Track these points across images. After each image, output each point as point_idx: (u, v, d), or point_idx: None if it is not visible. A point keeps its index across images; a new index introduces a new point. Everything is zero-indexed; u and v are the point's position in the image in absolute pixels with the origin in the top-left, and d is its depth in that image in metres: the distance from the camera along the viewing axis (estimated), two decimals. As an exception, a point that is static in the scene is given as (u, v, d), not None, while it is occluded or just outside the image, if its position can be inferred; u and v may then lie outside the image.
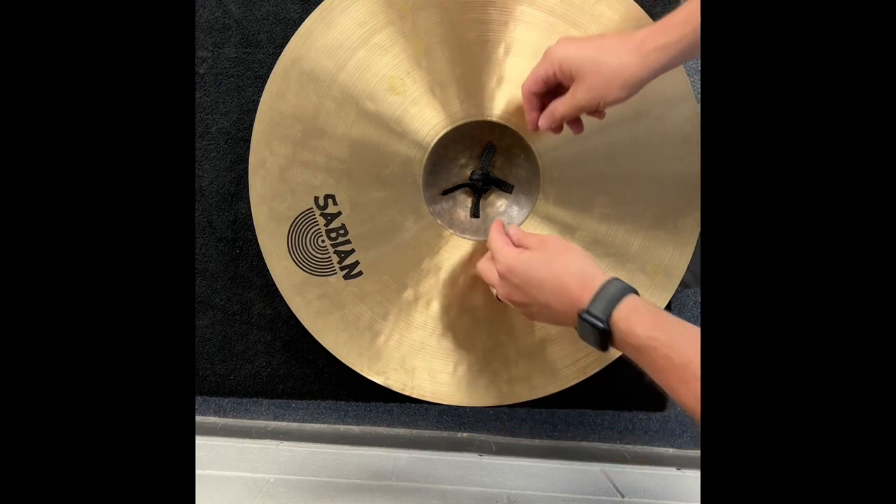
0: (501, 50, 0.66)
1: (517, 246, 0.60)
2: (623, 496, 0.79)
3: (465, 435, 0.92)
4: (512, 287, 0.58)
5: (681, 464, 0.89)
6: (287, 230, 0.68)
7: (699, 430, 0.48)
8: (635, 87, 0.54)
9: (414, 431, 0.92)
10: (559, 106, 0.57)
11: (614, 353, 0.70)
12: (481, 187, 0.70)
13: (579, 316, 0.53)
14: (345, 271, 0.69)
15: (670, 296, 0.70)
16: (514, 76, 0.66)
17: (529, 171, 0.69)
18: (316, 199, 0.68)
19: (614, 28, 0.64)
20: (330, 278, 0.69)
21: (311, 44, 0.66)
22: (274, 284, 0.70)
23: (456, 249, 0.69)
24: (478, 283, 0.70)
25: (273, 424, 0.92)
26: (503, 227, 0.63)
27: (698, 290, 0.89)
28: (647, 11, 0.65)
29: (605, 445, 0.92)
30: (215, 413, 0.93)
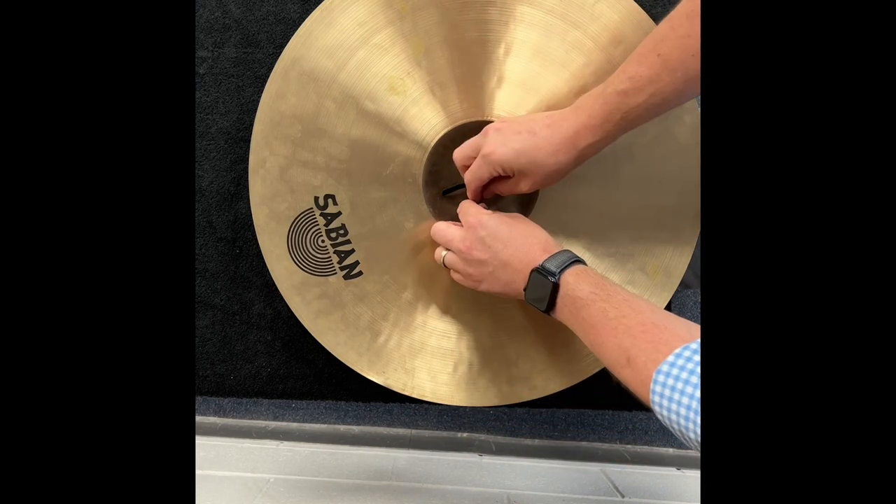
0: (501, 50, 0.66)
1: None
2: (623, 496, 0.79)
3: (465, 435, 0.92)
4: (476, 240, 0.61)
5: (681, 464, 0.89)
6: (287, 230, 0.68)
7: (615, 385, 0.52)
8: (567, 173, 0.60)
9: (414, 431, 0.92)
10: (503, 189, 0.64)
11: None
12: (483, 198, 0.69)
13: (533, 270, 0.58)
14: (345, 271, 0.69)
15: (670, 296, 0.70)
16: (514, 76, 0.66)
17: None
18: (316, 199, 0.68)
19: (614, 27, 0.64)
20: (330, 278, 0.69)
21: (311, 44, 0.66)
22: (274, 284, 0.70)
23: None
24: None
25: (273, 424, 0.92)
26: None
27: (699, 290, 0.89)
28: (647, 12, 0.65)
29: (605, 445, 0.92)
30: (215, 413, 0.92)
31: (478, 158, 0.61)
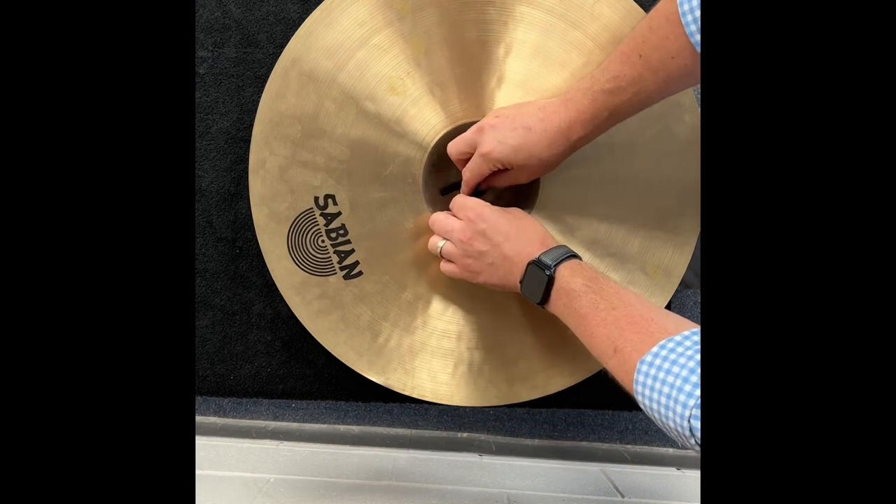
0: (501, 50, 0.66)
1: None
2: (623, 496, 0.79)
3: (465, 435, 0.92)
4: (476, 233, 0.62)
5: (681, 464, 0.89)
6: (287, 230, 0.68)
7: (604, 374, 0.54)
8: (561, 162, 0.62)
9: (414, 431, 0.92)
10: (502, 181, 0.65)
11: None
12: (478, 189, 0.69)
13: (529, 264, 0.59)
14: (345, 271, 0.69)
15: (670, 296, 0.70)
16: (514, 76, 0.66)
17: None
18: (316, 199, 0.68)
19: (614, 27, 0.64)
20: (330, 278, 0.69)
21: (310, 44, 0.66)
22: (274, 284, 0.70)
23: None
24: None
25: (273, 424, 0.92)
26: None
27: (699, 290, 0.89)
28: (646, 11, 0.65)
29: (605, 445, 0.92)
30: (215, 413, 0.92)
31: (476, 157, 0.62)
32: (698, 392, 0.43)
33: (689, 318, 0.55)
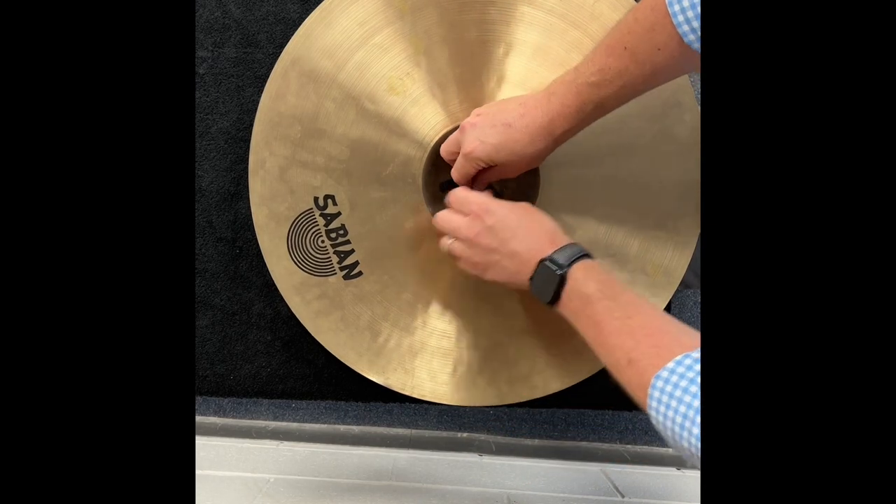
0: (501, 50, 0.66)
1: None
2: (623, 496, 0.79)
3: (465, 435, 0.92)
4: (484, 228, 0.60)
5: (681, 464, 0.89)
6: (287, 231, 0.68)
7: (613, 383, 0.52)
8: (548, 155, 0.61)
9: (414, 431, 0.92)
10: (490, 177, 0.64)
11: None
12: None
13: (540, 262, 0.57)
14: (344, 271, 0.69)
15: (670, 296, 0.70)
16: (514, 76, 0.66)
17: (529, 173, 0.69)
18: (316, 199, 0.68)
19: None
20: (330, 278, 0.69)
21: (310, 44, 0.66)
22: (274, 284, 0.70)
23: (456, 249, 0.69)
24: (478, 282, 0.70)
25: (273, 424, 0.92)
26: None
27: (699, 290, 0.89)
28: (646, 11, 0.65)
29: (605, 445, 0.92)
30: (215, 413, 0.92)
31: (459, 157, 0.62)
32: None
33: (688, 318, 0.55)
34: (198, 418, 0.91)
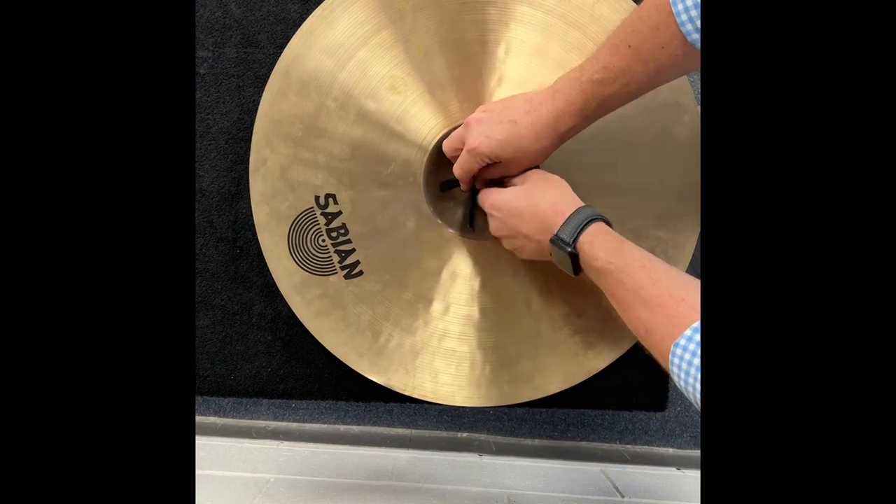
0: (501, 50, 0.66)
1: (505, 186, 0.64)
2: (623, 496, 0.79)
3: (465, 435, 0.92)
4: (498, 222, 0.63)
5: (681, 464, 0.89)
6: (287, 229, 0.68)
7: (648, 359, 0.52)
8: (552, 152, 0.61)
9: (414, 431, 0.92)
10: (494, 174, 0.64)
11: (614, 355, 0.70)
12: (475, 190, 0.69)
13: (550, 241, 0.58)
14: (345, 271, 0.69)
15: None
16: (514, 76, 0.66)
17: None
18: (316, 198, 0.68)
19: (614, 28, 0.64)
20: (330, 278, 0.69)
21: (311, 43, 0.66)
22: (274, 284, 0.70)
23: (457, 249, 0.69)
24: (477, 282, 0.70)
25: (273, 424, 0.92)
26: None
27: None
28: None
29: (605, 445, 0.92)
30: (215, 413, 0.92)
31: (463, 152, 0.62)
32: None
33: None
34: (198, 418, 0.91)
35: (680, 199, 0.69)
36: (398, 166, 0.67)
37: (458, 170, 0.64)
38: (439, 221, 0.69)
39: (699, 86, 0.88)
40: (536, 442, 0.92)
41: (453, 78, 0.66)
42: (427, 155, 0.67)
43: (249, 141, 0.67)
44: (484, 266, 0.70)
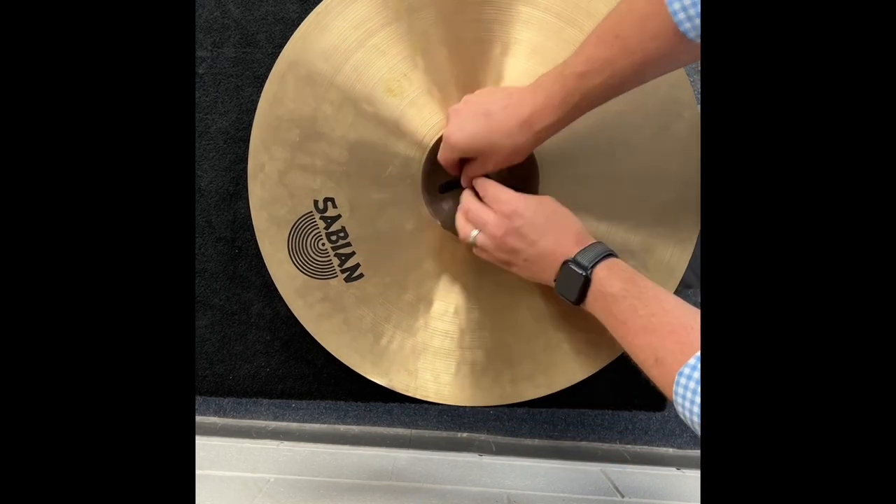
0: (499, 49, 0.66)
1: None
2: (623, 496, 0.79)
3: (465, 435, 0.92)
4: (511, 229, 0.60)
5: (681, 464, 0.89)
6: (287, 234, 0.68)
7: (643, 378, 0.53)
8: (528, 154, 0.61)
9: (414, 431, 0.92)
10: (475, 169, 0.63)
11: (615, 353, 0.70)
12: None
13: (565, 263, 0.58)
14: (346, 274, 0.69)
15: (672, 292, 0.70)
16: (512, 76, 0.66)
17: (528, 170, 0.69)
18: (315, 202, 0.68)
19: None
20: (331, 281, 0.69)
21: (307, 47, 0.66)
22: (273, 284, 0.70)
23: (457, 249, 0.69)
24: (479, 282, 0.70)
25: (273, 424, 0.92)
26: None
27: (699, 290, 0.89)
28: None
29: (605, 445, 0.92)
30: (215, 413, 0.93)
31: (442, 143, 0.62)
32: None
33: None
34: (198, 418, 0.91)
35: (679, 196, 0.68)
36: (396, 168, 0.67)
37: (440, 159, 0.64)
38: (438, 222, 0.69)
39: (699, 83, 0.88)
40: (536, 442, 0.92)
41: (451, 78, 0.66)
42: (425, 156, 0.67)
43: (248, 141, 0.67)
44: (484, 266, 0.70)
